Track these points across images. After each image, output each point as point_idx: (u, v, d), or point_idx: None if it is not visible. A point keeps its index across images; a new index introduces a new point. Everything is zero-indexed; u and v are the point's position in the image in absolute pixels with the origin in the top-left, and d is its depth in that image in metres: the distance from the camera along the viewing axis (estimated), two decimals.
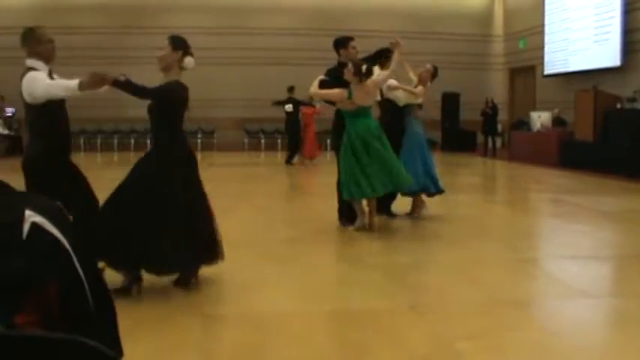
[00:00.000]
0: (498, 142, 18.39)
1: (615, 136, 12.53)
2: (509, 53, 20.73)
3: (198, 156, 15.08)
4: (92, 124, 18.63)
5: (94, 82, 3.92)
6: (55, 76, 4.23)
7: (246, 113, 19.25)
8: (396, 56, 6.35)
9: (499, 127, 18.51)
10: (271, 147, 19.04)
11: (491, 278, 4.73)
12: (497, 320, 3.74)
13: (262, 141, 19.24)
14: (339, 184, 6.37)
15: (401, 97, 7.08)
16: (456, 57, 20.12)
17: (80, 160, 17.41)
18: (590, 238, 6.40)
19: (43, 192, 3.78)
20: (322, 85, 6.24)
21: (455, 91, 19.24)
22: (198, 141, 18.71)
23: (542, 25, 18.15)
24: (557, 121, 15.63)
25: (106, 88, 4.05)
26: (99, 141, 18.76)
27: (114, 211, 4.06)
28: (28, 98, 4.09)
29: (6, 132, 16.62)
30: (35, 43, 4.20)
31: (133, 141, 18.66)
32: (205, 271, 4.42)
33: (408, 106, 7.16)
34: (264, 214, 7.67)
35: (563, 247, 6.05)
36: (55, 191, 3.89)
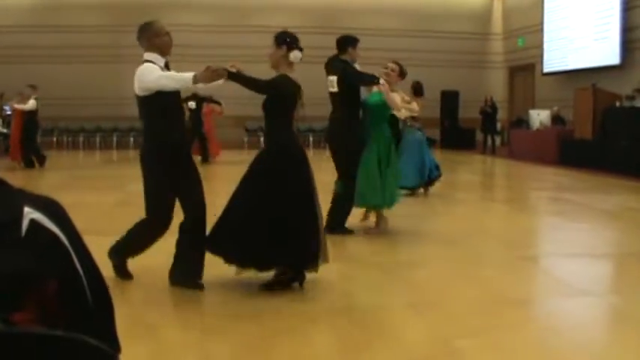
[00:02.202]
0: (497, 140, 18.39)
1: (614, 135, 12.53)
2: (509, 51, 20.73)
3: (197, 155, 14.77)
4: (91, 122, 18.63)
5: (208, 75, 3.93)
6: (170, 68, 4.28)
7: (246, 111, 19.14)
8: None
9: (498, 126, 18.51)
10: None
11: (491, 276, 4.73)
12: (496, 318, 3.74)
13: (262, 139, 19.23)
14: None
15: (402, 112, 7.91)
16: (454, 55, 20.12)
17: (79, 158, 17.34)
18: (590, 236, 6.40)
19: (151, 186, 4.13)
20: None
21: (454, 90, 19.24)
22: None
23: (542, 23, 18.14)
24: (557, 120, 15.62)
25: (221, 81, 4.10)
26: (98, 139, 18.74)
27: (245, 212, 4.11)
28: (138, 90, 4.07)
29: (5, 130, 16.58)
30: (152, 35, 4.17)
31: (132, 139, 18.65)
32: (206, 271, 4.42)
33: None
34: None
35: (563, 245, 6.05)
36: (161, 188, 4.13)
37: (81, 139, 18.61)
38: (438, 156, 16.16)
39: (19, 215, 0.88)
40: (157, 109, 4.09)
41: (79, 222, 1.07)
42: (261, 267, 4.15)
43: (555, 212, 8.18)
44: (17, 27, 18.48)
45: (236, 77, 4.11)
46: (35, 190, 1.01)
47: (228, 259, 4.15)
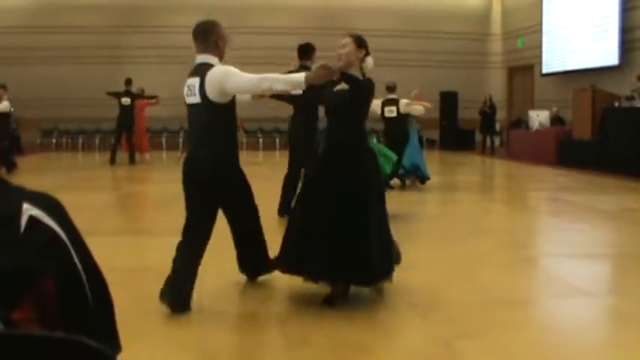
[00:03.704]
0: (497, 140, 18.40)
1: (613, 135, 12.54)
2: (508, 52, 20.75)
3: None
4: (90, 123, 18.61)
5: (323, 74, 3.58)
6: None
7: (244, 113, 19.13)
8: None
9: (497, 126, 18.52)
10: (270, 146, 19.03)
11: (490, 277, 4.74)
12: (495, 319, 3.74)
13: (260, 140, 19.23)
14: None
15: (420, 109, 9.46)
16: (454, 56, 20.14)
17: (79, 159, 17.32)
18: (589, 237, 6.40)
19: (219, 200, 3.86)
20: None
21: (453, 90, 19.26)
22: None
23: (540, 24, 18.16)
24: (556, 120, 15.63)
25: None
26: (97, 141, 18.72)
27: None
28: (217, 95, 3.68)
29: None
30: (219, 37, 3.84)
31: None
32: (206, 271, 4.41)
33: (409, 117, 9.65)
34: (264, 214, 7.65)
35: (562, 245, 6.06)
36: (234, 199, 3.95)
37: (80, 140, 18.59)
38: (437, 156, 16.22)
39: (18, 212, 0.88)
40: (230, 116, 3.85)
41: (77, 223, 1.07)
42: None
43: (554, 213, 8.19)
44: (16, 28, 18.48)
45: (347, 76, 3.92)
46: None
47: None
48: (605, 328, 3.82)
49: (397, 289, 4.33)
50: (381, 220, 4.01)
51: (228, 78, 3.62)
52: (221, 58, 3.85)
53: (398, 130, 9.71)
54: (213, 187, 3.80)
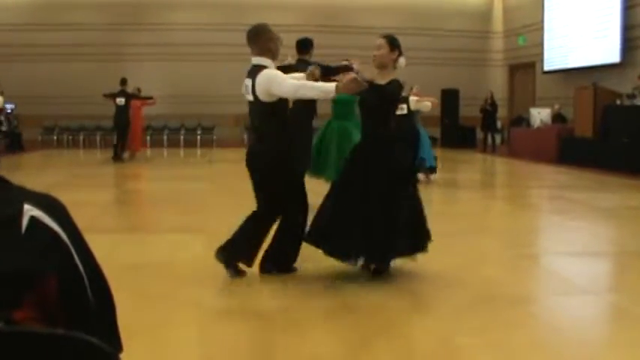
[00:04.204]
0: (498, 138, 18.37)
1: (615, 133, 12.52)
2: (509, 49, 20.71)
3: (197, 152, 15.15)
4: (91, 120, 18.61)
5: (352, 87, 4.01)
6: None
7: (245, 109, 19.03)
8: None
9: (498, 124, 18.49)
10: None
11: (491, 274, 4.73)
12: (496, 316, 3.74)
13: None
14: None
15: (428, 105, 9.67)
16: (455, 53, 20.10)
17: (80, 156, 17.30)
18: (590, 235, 6.40)
19: (273, 190, 4.28)
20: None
21: (454, 88, 19.23)
22: (198, 137, 18.69)
23: (542, 22, 18.12)
24: (557, 118, 15.61)
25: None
26: (98, 138, 18.72)
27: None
28: (264, 95, 4.12)
29: (5, 128, 16.58)
30: (268, 39, 4.25)
31: None
32: (206, 269, 4.41)
33: (417, 114, 9.85)
34: None
35: (563, 243, 6.05)
36: (288, 188, 4.33)
37: (81, 137, 18.59)
38: (438, 154, 16.22)
39: (19, 212, 0.88)
40: (284, 112, 4.23)
41: (77, 220, 1.07)
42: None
43: (555, 210, 8.18)
44: (17, 25, 18.47)
45: (373, 87, 4.24)
46: (33, 188, 1.00)
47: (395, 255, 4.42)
48: (606, 325, 3.82)
49: (398, 285, 4.33)
50: (410, 207, 4.39)
51: (273, 83, 4.06)
52: (274, 58, 4.30)
53: (408, 127, 9.82)
54: (268, 175, 4.24)
